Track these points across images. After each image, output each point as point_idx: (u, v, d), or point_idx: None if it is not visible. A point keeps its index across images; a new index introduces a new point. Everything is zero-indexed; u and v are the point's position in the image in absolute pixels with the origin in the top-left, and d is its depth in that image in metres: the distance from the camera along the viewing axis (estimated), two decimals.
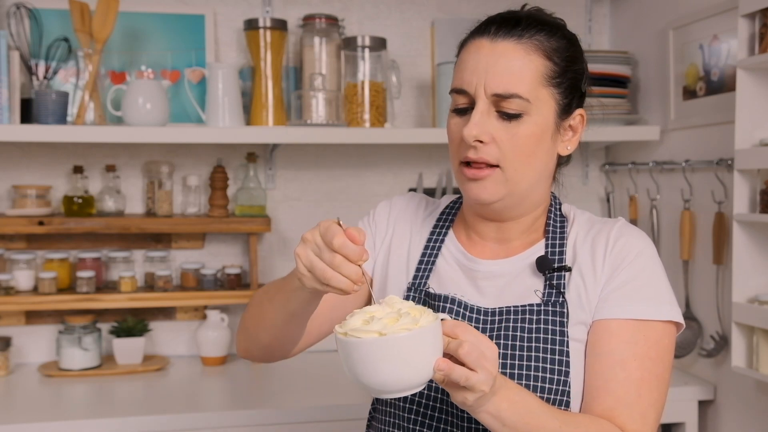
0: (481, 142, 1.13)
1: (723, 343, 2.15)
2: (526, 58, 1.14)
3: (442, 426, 1.18)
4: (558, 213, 1.25)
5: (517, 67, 1.14)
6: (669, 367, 1.16)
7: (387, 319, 0.96)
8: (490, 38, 1.16)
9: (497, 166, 1.14)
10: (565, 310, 1.16)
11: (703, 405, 2.23)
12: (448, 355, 0.98)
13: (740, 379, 2.08)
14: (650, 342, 1.13)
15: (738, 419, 2.13)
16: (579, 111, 1.22)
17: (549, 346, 1.14)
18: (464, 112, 1.16)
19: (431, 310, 0.99)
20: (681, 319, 1.17)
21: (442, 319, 0.99)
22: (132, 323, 2.38)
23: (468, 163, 1.16)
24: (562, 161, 1.26)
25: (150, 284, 2.46)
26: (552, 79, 1.16)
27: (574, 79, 1.19)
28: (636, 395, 1.11)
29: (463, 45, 1.21)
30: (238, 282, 2.45)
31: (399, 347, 0.94)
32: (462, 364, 0.96)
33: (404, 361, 0.94)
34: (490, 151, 1.13)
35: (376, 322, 0.95)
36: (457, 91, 1.17)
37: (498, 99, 1.13)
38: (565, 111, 1.19)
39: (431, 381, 1.04)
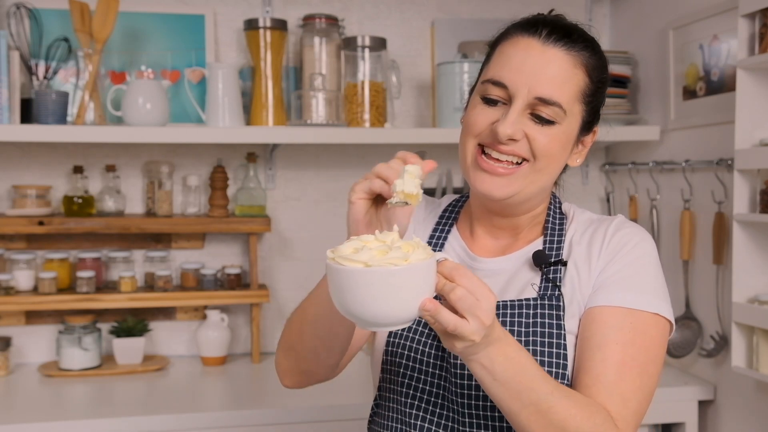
0: (513, 140, 1.14)
1: (723, 343, 2.15)
2: (573, 71, 1.16)
3: (443, 422, 1.18)
4: (558, 210, 1.27)
5: (564, 77, 1.15)
6: (656, 360, 1.14)
7: (376, 251, 0.92)
8: (542, 41, 1.16)
9: (526, 160, 1.15)
10: (561, 304, 1.17)
11: (703, 405, 2.23)
12: (442, 298, 0.95)
13: (740, 379, 2.08)
14: (636, 330, 1.13)
15: (738, 419, 2.13)
16: (595, 128, 1.24)
17: (546, 339, 1.15)
18: (494, 103, 1.16)
19: (429, 248, 0.96)
20: (669, 316, 1.16)
21: (442, 259, 0.96)
22: (132, 323, 2.38)
23: (483, 151, 1.16)
24: (566, 169, 1.28)
25: (150, 284, 2.46)
26: (586, 97, 1.18)
27: (599, 103, 1.22)
28: (615, 377, 1.10)
29: (505, 37, 1.20)
30: (238, 282, 2.45)
31: (382, 281, 0.91)
32: (454, 309, 0.94)
33: (387, 296, 0.91)
34: (523, 146, 1.14)
35: (365, 252, 0.92)
36: (494, 82, 1.16)
37: (538, 103, 1.13)
38: (586, 128, 1.22)
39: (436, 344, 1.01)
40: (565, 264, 1.19)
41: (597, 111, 1.22)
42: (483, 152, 1.17)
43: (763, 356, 1.90)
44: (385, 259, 0.91)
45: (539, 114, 1.14)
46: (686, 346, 2.26)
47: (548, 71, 1.14)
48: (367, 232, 1.07)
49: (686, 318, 2.28)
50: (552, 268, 1.19)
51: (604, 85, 1.22)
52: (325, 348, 1.19)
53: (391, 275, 0.91)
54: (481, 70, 1.23)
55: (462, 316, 0.94)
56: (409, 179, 1.01)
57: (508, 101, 1.15)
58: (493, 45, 1.22)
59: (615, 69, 2.50)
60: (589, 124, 1.21)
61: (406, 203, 1.02)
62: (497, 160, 1.15)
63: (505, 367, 1.00)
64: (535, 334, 1.15)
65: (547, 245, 1.22)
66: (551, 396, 1.02)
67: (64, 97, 2.23)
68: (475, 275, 0.96)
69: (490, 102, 1.17)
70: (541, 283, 1.19)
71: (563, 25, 1.18)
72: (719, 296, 2.16)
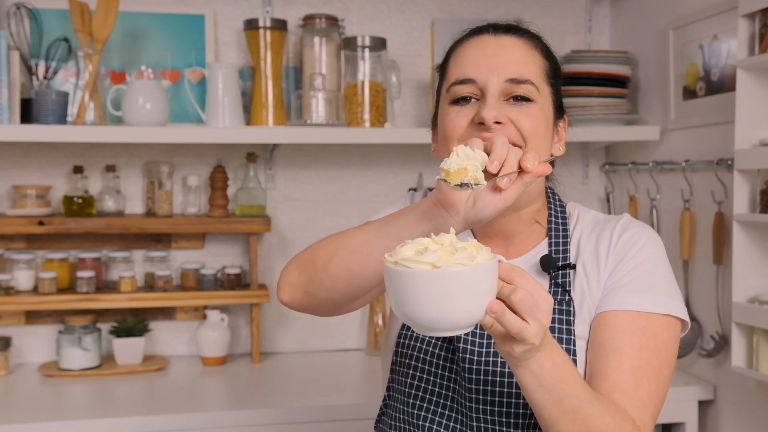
0: (498, 123, 1.13)
1: (723, 343, 2.15)
2: (530, 53, 1.18)
3: (452, 424, 1.18)
4: (559, 210, 1.25)
5: (525, 57, 1.17)
6: (669, 361, 1.14)
7: (442, 252, 0.89)
8: (492, 34, 1.19)
9: (519, 146, 1.14)
10: (572, 309, 1.16)
11: (703, 405, 2.23)
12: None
13: (740, 379, 2.08)
14: (649, 333, 1.12)
15: (738, 419, 2.13)
16: (564, 116, 1.26)
17: None
18: (466, 101, 1.16)
19: (489, 249, 0.93)
20: (682, 314, 1.16)
21: (499, 261, 0.93)
22: (132, 323, 2.38)
23: None
24: (553, 164, 1.27)
25: (150, 284, 2.46)
26: (550, 78, 1.20)
27: (560, 88, 1.24)
28: (634, 383, 1.10)
29: (455, 46, 1.23)
30: (238, 282, 2.45)
31: (452, 282, 0.88)
32: (514, 311, 0.91)
33: (455, 298, 0.89)
34: (511, 130, 1.13)
35: (430, 254, 0.89)
36: (460, 82, 1.16)
37: (511, 84, 1.14)
38: (559, 111, 1.23)
39: (478, 330, 1.00)
40: (573, 267, 1.18)
41: (560, 97, 1.23)
42: None
43: (763, 356, 1.89)
44: (453, 259, 0.89)
45: (516, 94, 1.15)
46: (686, 346, 2.25)
47: (510, 54, 1.16)
48: (451, 194, 1.02)
49: None
50: (560, 272, 1.18)
51: (560, 69, 1.24)
52: (347, 283, 1.13)
53: (461, 275, 0.88)
54: (439, 87, 1.23)
55: (522, 319, 0.92)
56: (454, 158, 0.97)
57: (480, 96, 1.15)
58: (444, 62, 1.24)
59: (615, 69, 2.50)
60: (559, 107, 1.22)
61: (446, 181, 0.98)
62: None
63: (552, 374, 0.98)
64: None
65: (554, 248, 1.21)
66: (590, 404, 1.01)
67: (64, 97, 2.22)
68: (531, 276, 0.94)
69: (461, 101, 1.16)
70: (550, 288, 1.18)
71: (507, 23, 1.22)
72: (719, 296, 2.16)
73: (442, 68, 1.25)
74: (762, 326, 1.86)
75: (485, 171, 0.99)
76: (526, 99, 1.15)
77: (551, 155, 1.22)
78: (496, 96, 1.14)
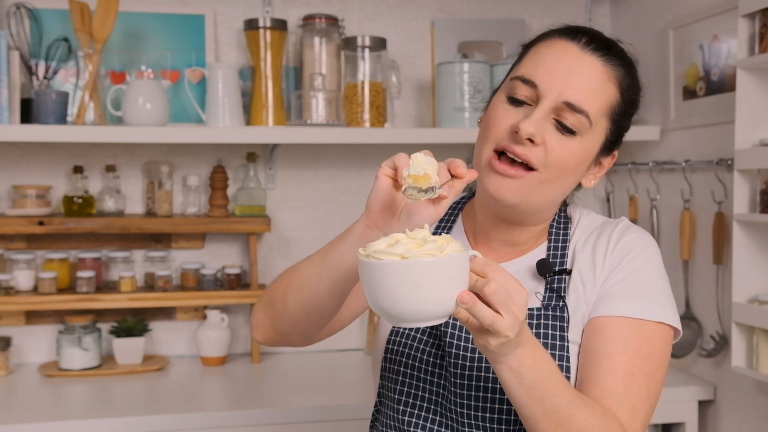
0: (532, 141, 1.10)
1: (723, 343, 2.15)
2: (606, 83, 1.14)
3: (442, 429, 1.17)
4: (562, 214, 1.24)
5: (596, 86, 1.13)
6: (660, 368, 1.13)
7: (411, 244, 0.92)
8: (580, 47, 1.14)
9: (535, 170, 1.11)
10: (565, 314, 1.15)
11: (703, 405, 2.23)
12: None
13: (740, 379, 2.08)
14: (642, 340, 1.12)
15: (738, 419, 2.13)
16: (615, 151, 1.22)
17: (549, 351, 1.12)
18: (520, 103, 1.13)
19: (460, 243, 0.95)
20: (675, 323, 1.15)
21: (473, 256, 0.96)
22: (132, 323, 2.39)
23: (500, 155, 1.13)
24: (579, 187, 1.25)
25: (150, 284, 2.46)
26: (614, 114, 1.16)
27: (625, 126, 1.21)
28: (624, 388, 1.09)
29: (542, 39, 1.18)
30: (238, 282, 2.45)
31: (420, 273, 0.91)
32: (487, 304, 0.92)
33: (425, 289, 0.91)
34: (538, 153, 1.11)
35: (400, 246, 0.92)
36: (524, 80, 1.13)
37: (565, 108, 1.11)
38: (608, 148, 1.19)
39: (452, 324, 1.01)
40: (569, 273, 1.18)
41: (621, 134, 1.20)
42: (498, 157, 1.13)
43: (763, 356, 1.90)
44: (422, 251, 0.91)
45: (563, 122, 1.11)
46: (686, 346, 2.25)
47: (582, 78, 1.12)
48: (383, 211, 1.05)
49: (686, 318, 2.28)
50: (556, 277, 1.17)
51: (634, 108, 1.20)
52: (305, 316, 1.16)
53: (429, 266, 0.90)
54: (510, 70, 1.20)
55: (496, 311, 0.92)
56: (416, 164, 0.99)
57: (535, 103, 1.12)
58: (528, 46, 1.20)
59: None
60: (611, 144, 1.19)
61: (419, 189, 0.99)
62: (512, 162, 1.12)
63: (531, 371, 0.98)
64: None
65: (551, 252, 1.20)
66: (572, 404, 1.01)
67: (64, 97, 2.22)
68: (507, 271, 0.94)
69: (515, 102, 1.14)
70: (545, 292, 1.17)
71: (604, 38, 1.17)
72: (719, 296, 2.16)
73: (524, 50, 1.20)
74: (762, 326, 1.86)
75: None
76: (570, 131, 1.11)
77: (579, 185, 1.20)
78: (546, 112, 1.11)
